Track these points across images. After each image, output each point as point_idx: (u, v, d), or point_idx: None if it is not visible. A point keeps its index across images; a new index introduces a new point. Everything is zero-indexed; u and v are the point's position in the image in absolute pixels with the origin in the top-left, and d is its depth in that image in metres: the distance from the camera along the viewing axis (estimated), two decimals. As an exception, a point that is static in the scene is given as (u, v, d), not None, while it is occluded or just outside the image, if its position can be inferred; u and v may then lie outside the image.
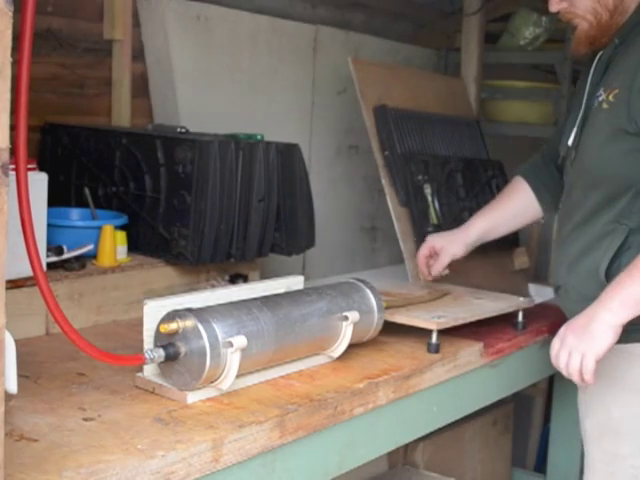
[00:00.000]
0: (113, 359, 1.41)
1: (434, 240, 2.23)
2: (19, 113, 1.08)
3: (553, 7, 1.88)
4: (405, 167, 2.45)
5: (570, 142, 1.92)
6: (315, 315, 1.63)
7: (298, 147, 2.24)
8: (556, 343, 1.74)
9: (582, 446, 2.00)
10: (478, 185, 2.73)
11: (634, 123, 1.72)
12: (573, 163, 1.91)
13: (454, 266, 2.24)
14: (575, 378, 1.71)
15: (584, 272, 1.84)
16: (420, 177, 2.48)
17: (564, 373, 1.73)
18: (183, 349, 1.41)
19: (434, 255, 2.22)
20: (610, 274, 1.78)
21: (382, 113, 2.50)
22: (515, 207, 2.21)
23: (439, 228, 2.46)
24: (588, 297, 1.79)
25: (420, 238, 2.39)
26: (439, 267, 2.20)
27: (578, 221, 1.88)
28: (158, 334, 1.44)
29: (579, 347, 1.68)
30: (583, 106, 1.90)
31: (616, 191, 1.79)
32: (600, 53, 1.89)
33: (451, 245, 2.19)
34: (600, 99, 1.82)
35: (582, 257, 1.85)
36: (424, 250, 2.23)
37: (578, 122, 1.91)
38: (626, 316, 1.66)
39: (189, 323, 1.41)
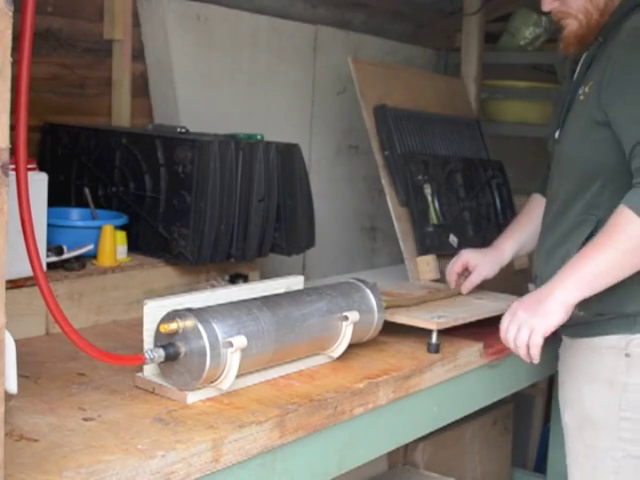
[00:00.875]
0: (113, 359, 1.41)
1: (469, 256, 2.19)
2: (19, 113, 1.08)
3: (545, 6, 1.89)
4: (405, 167, 2.44)
5: (557, 136, 1.96)
6: (315, 315, 1.63)
7: (298, 147, 2.24)
8: (506, 318, 1.76)
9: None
10: (478, 185, 2.73)
11: (603, 113, 1.75)
12: (556, 155, 1.95)
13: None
14: (522, 352, 1.72)
15: (557, 262, 1.85)
16: (420, 177, 2.47)
17: (511, 347, 1.75)
18: (183, 349, 1.41)
19: (465, 271, 2.20)
20: None
21: (382, 113, 2.50)
22: (539, 224, 2.20)
23: (439, 228, 2.46)
24: None
25: (420, 238, 2.39)
26: (469, 286, 2.18)
27: (555, 212, 1.91)
28: (158, 334, 1.44)
29: (528, 322, 1.70)
30: (567, 102, 1.93)
31: (585, 181, 1.82)
32: (586, 52, 1.91)
33: (485, 266, 2.17)
34: (579, 92, 1.85)
35: (557, 247, 1.88)
36: (457, 266, 2.20)
37: (562, 117, 1.94)
38: (579, 295, 1.67)
39: (189, 323, 1.40)
